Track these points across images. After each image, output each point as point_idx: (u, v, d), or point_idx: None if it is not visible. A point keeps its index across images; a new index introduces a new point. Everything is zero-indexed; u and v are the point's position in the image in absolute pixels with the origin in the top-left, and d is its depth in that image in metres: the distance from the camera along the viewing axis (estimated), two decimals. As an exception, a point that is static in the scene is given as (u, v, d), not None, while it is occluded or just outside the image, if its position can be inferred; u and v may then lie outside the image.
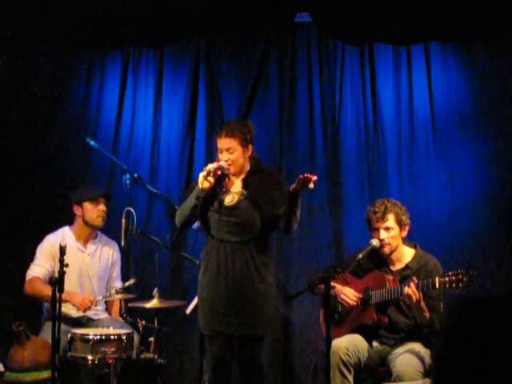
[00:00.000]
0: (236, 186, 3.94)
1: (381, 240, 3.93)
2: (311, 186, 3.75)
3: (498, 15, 4.80)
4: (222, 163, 3.84)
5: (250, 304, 3.80)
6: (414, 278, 3.77)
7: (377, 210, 3.96)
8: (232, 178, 3.96)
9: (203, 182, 3.76)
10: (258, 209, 3.82)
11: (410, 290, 3.70)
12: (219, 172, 3.83)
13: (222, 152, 3.88)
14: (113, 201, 4.97)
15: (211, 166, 3.80)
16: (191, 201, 3.83)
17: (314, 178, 3.74)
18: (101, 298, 4.54)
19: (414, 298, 3.70)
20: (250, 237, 3.83)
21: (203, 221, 3.95)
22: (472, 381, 1.34)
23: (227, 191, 3.92)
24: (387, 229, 3.94)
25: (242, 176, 3.94)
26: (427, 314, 3.81)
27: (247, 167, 3.95)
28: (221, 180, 3.93)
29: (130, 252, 4.91)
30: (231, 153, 3.86)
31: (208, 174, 3.77)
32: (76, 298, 4.40)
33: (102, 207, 4.60)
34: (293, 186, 3.79)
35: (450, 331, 1.40)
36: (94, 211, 4.59)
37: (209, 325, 3.86)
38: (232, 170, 3.89)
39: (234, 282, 3.80)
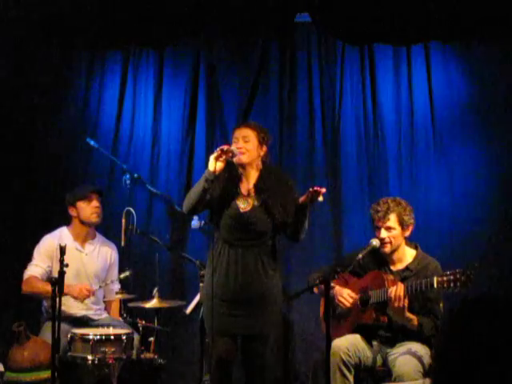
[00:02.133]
0: (249, 190, 3.92)
1: (381, 239, 3.93)
2: (321, 198, 3.74)
3: (498, 15, 4.81)
4: (233, 148, 3.83)
5: (258, 303, 3.82)
6: (400, 283, 3.75)
7: (379, 209, 3.94)
8: (244, 181, 3.94)
9: (214, 163, 3.75)
10: (272, 216, 3.84)
11: (393, 292, 3.69)
12: (230, 154, 3.78)
13: (237, 141, 3.88)
14: (113, 201, 4.97)
15: (222, 147, 3.78)
16: (200, 184, 3.80)
17: (323, 190, 3.73)
18: (97, 287, 4.55)
19: (397, 304, 3.69)
20: (260, 241, 3.86)
21: (216, 222, 3.95)
22: (472, 380, 1.34)
23: (241, 195, 3.91)
24: (388, 228, 3.93)
25: (254, 181, 3.93)
26: (414, 323, 3.80)
27: (258, 170, 3.93)
28: (235, 181, 3.92)
29: (130, 252, 4.91)
30: (246, 141, 3.87)
31: (219, 154, 3.74)
32: (74, 288, 4.40)
33: (94, 203, 4.62)
34: (302, 199, 3.79)
35: (450, 331, 1.40)
36: (87, 208, 4.60)
37: (215, 324, 3.86)
38: (244, 159, 3.86)
39: (243, 282, 3.82)
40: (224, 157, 3.76)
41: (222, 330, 3.85)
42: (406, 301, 3.71)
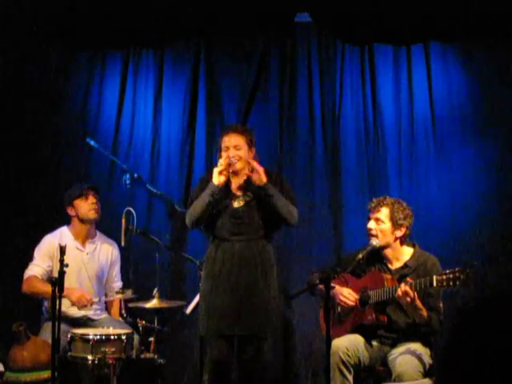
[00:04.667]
0: (241, 188, 3.98)
1: (368, 229, 3.98)
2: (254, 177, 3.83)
3: (498, 15, 4.81)
4: (231, 158, 3.88)
5: (254, 304, 3.82)
6: (409, 279, 3.77)
7: (374, 201, 4.04)
8: (234, 180, 3.99)
9: (218, 177, 3.82)
10: (264, 208, 3.88)
11: (401, 290, 3.70)
12: (233, 164, 3.87)
13: (228, 149, 3.92)
14: (113, 201, 4.97)
15: (224, 160, 3.85)
16: (205, 198, 3.87)
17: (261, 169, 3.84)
18: (97, 300, 4.55)
19: (408, 298, 3.71)
20: (255, 237, 3.89)
21: (209, 223, 3.97)
22: (474, 381, 1.34)
23: (232, 195, 3.96)
24: (377, 220, 3.98)
25: (244, 178, 3.98)
26: (424, 313, 3.81)
27: (248, 170, 3.98)
28: (226, 184, 3.96)
29: (130, 252, 4.91)
30: (238, 149, 3.92)
31: (224, 168, 3.82)
32: (73, 294, 4.40)
33: (91, 200, 4.62)
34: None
35: (452, 331, 1.40)
36: (85, 206, 4.61)
37: (211, 326, 3.87)
38: (238, 166, 3.93)
39: (240, 283, 3.83)
40: (228, 169, 3.84)
41: (217, 331, 3.85)
42: (415, 293, 3.71)
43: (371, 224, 3.99)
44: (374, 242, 3.94)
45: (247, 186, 3.96)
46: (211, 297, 3.88)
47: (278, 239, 5.01)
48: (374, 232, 3.97)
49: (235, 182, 4.00)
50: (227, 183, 3.96)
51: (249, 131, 4.05)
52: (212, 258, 3.91)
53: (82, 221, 4.64)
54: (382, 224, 3.97)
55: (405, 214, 3.98)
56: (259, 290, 3.84)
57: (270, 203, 3.85)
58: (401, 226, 3.97)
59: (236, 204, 3.93)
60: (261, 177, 3.82)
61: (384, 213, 3.97)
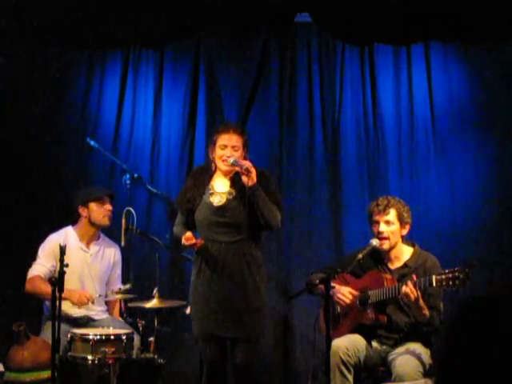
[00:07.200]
0: (223, 186, 3.95)
1: (379, 233, 3.95)
2: (244, 179, 3.80)
3: (498, 15, 4.81)
4: (232, 161, 3.83)
5: (241, 306, 3.80)
6: (414, 276, 3.77)
7: (379, 203, 4.00)
8: (218, 178, 3.97)
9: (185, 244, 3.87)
10: (247, 208, 3.81)
11: (408, 288, 3.71)
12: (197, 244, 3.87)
13: (225, 148, 3.88)
14: (113, 201, 4.96)
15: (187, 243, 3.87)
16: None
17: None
18: (98, 296, 4.55)
19: (413, 297, 3.71)
20: (241, 236, 3.85)
21: (192, 223, 3.98)
22: (474, 381, 1.34)
23: (213, 192, 3.92)
24: (387, 222, 3.96)
25: (230, 175, 3.95)
26: (427, 312, 3.81)
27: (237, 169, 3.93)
28: (207, 182, 3.96)
29: (130, 252, 4.91)
30: (236, 150, 3.88)
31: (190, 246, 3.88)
32: (73, 294, 4.40)
33: (108, 206, 4.62)
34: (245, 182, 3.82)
35: (451, 331, 1.40)
36: (100, 211, 4.60)
37: (202, 327, 3.87)
38: (229, 166, 3.89)
39: (227, 283, 3.81)
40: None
41: (209, 334, 3.84)
42: (418, 292, 3.72)
43: (382, 227, 3.95)
44: (374, 242, 3.93)
45: (231, 184, 3.92)
46: (198, 298, 3.87)
47: (278, 239, 5.03)
48: (385, 235, 3.95)
49: (218, 180, 3.97)
50: (209, 184, 3.95)
51: (246, 132, 4.03)
52: (199, 258, 3.91)
53: (92, 224, 4.62)
54: (392, 225, 3.97)
55: (407, 211, 4.01)
56: (246, 291, 3.81)
57: (255, 205, 3.80)
58: (406, 224, 4.00)
59: (217, 202, 3.89)
60: (252, 178, 3.78)
61: (392, 214, 3.97)
